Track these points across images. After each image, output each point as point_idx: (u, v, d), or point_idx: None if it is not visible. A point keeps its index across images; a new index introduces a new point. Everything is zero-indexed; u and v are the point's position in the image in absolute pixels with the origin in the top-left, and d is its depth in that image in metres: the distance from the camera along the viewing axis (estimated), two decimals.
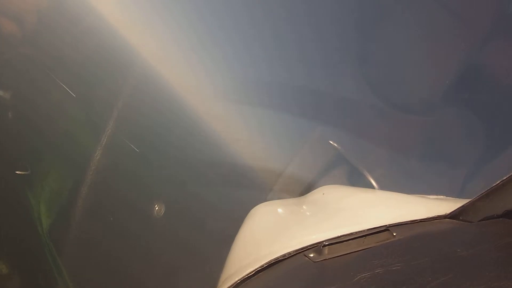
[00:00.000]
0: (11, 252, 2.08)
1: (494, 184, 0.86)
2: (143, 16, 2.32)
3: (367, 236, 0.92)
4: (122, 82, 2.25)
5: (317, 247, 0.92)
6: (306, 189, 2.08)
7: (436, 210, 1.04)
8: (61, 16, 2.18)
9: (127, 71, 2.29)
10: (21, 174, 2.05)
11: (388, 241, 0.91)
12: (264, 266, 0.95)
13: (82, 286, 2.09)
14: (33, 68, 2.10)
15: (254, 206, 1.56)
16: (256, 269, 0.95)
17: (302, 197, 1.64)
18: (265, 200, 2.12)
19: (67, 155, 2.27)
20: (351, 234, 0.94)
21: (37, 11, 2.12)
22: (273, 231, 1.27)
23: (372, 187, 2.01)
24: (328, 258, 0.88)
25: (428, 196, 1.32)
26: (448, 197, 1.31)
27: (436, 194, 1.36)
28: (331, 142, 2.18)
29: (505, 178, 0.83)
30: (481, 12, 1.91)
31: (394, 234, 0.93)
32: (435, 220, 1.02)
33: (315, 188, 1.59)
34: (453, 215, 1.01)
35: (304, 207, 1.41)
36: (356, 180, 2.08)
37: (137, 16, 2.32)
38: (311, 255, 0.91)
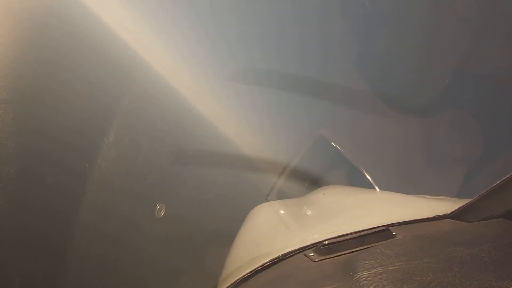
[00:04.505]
0: None
1: (494, 184, 0.86)
2: (142, 17, 2.32)
3: (367, 236, 0.92)
4: (125, 84, 2.25)
5: (317, 246, 0.92)
6: (306, 189, 2.09)
7: (436, 210, 1.04)
8: (63, 20, 2.19)
9: (130, 73, 2.29)
10: None
11: (388, 240, 0.91)
12: (264, 265, 0.95)
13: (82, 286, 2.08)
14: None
15: (254, 206, 1.56)
16: (256, 268, 0.95)
17: (302, 197, 1.65)
18: (266, 200, 2.12)
19: (68, 155, 2.27)
20: (351, 233, 0.94)
21: (42, 14, 2.12)
22: (273, 230, 1.27)
23: (372, 187, 2.01)
24: (328, 258, 0.88)
25: (428, 196, 1.32)
26: (448, 197, 1.31)
27: (436, 194, 1.36)
28: (332, 144, 2.19)
29: (505, 178, 0.83)
30: (481, 12, 1.91)
31: (394, 233, 0.93)
32: (435, 220, 1.02)
33: (315, 189, 1.59)
34: (453, 215, 1.01)
35: (304, 207, 1.42)
36: (356, 180, 2.08)
37: (137, 17, 2.32)
38: (311, 255, 0.91)
